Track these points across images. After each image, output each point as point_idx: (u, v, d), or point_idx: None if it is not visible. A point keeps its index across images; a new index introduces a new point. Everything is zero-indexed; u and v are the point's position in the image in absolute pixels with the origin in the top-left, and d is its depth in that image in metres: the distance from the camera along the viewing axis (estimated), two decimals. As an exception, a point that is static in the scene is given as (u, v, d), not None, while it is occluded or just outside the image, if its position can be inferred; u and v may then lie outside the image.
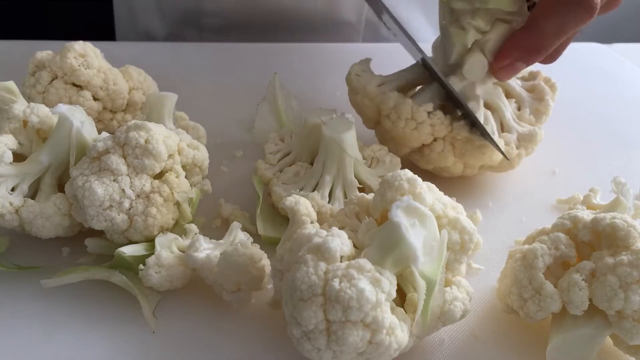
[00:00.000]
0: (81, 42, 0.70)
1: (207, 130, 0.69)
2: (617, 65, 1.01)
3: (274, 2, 1.00)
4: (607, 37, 1.17)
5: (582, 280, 0.45)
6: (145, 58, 0.89)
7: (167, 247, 0.54)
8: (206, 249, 0.52)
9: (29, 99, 0.69)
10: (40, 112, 0.57)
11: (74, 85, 0.69)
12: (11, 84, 0.64)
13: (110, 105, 0.70)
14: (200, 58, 0.94)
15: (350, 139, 0.60)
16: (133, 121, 0.56)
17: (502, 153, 0.64)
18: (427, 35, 1.11)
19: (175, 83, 0.72)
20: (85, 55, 0.69)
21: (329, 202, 0.59)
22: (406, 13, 1.07)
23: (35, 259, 0.56)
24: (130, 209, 0.53)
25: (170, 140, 0.56)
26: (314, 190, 0.59)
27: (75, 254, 0.57)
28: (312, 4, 1.01)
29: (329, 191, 0.60)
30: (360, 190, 0.60)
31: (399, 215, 0.43)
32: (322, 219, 0.56)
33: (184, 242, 0.55)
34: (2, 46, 0.94)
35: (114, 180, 0.53)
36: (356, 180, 0.60)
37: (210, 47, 0.97)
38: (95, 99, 0.69)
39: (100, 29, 1.12)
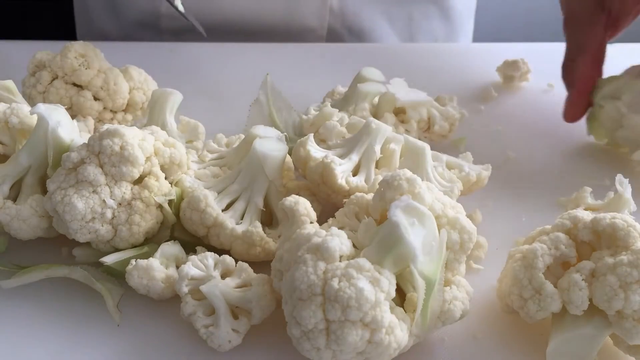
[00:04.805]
0: (81, 42, 0.70)
1: (206, 131, 0.69)
2: (617, 65, 1.01)
3: (230, 5, 0.99)
4: (608, 37, 1.17)
5: (582, 280, 0.45)
6: (145, 58, 0.89)
7: (166, 259, 0.53)
8: (191, 282, 0.49)
9: (29, 99, 0.69)
10: (21, 113, 0.56)
11: (75, 85, 0.69)
12: (10, 83, 0.64)
13: (111, 105, 0.70)
14: (200, 58, 0.94)
15: (274, 162, 0.57)
16: (105, 126, 0.54)
17: None
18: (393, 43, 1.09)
19: (175, 83, 0.72)
20: (86, 55, 0.69)
21: (224, 211, 0.56)
22: (369, 23, 1.05)
23: (36, 259, 0.56)
24: (113, 218, 0.52)
25: (146, 142, 0.54)
26: (218, 194, 0.57)
27: (75, 253, 0.57)
28: (270, 8, 1.00)
29: (231, 200, 0.57)
30: (265, 214, 0.58)
31: (398, 215, 0.43)
32: (203, 220, 0.54)
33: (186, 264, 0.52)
34: (2, 46, 0.94)
35: (93, 191, 0.51)
36: (262, 203, 0.57)
37: (210, 47, 0.97)
38: (95, 98, 0.69)
39: (67, 29, 1.14)
